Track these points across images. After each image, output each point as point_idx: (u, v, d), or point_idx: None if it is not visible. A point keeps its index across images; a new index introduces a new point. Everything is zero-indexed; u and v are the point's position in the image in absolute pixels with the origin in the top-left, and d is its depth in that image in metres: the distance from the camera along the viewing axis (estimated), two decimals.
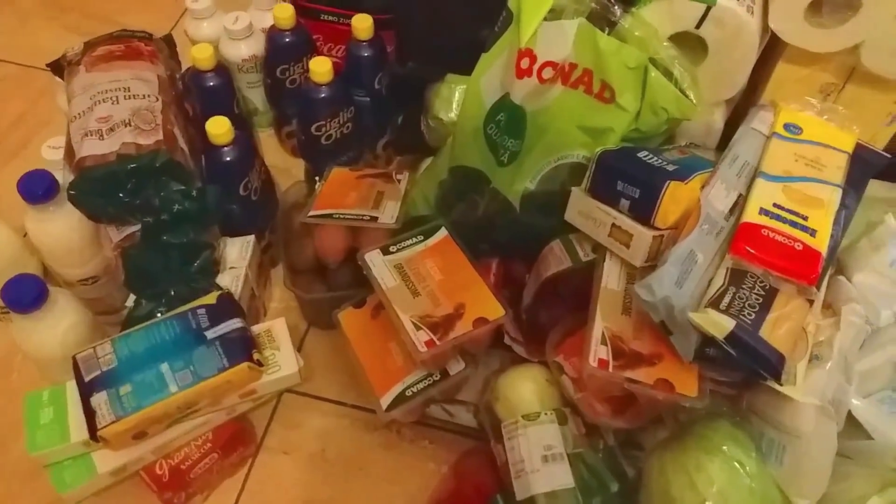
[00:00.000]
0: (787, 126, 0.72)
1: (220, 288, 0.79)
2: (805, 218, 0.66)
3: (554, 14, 0.68)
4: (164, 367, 0.69)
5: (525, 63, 0.68)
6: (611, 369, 0.66)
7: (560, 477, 0.70)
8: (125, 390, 0.68)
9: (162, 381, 0.69)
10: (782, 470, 0.64)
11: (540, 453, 0.71)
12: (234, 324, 0.73)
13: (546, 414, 0.73)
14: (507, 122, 0.73)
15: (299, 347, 0.92)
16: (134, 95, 0.76)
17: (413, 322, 0.72)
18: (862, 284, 0.68)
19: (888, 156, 0.72)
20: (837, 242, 0.67)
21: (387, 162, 1.05)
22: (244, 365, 0.70)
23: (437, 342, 0.71)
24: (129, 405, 0.67)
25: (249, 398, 0.77)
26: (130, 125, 0.73)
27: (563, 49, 0.68)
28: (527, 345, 0.79)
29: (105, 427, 0.67)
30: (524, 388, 0.75)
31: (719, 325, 0.61)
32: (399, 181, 0.89)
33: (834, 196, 0.68)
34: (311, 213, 0.82)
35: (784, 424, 0.64)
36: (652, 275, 0.65)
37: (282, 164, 1.08)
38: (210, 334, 0.71)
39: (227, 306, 0.75)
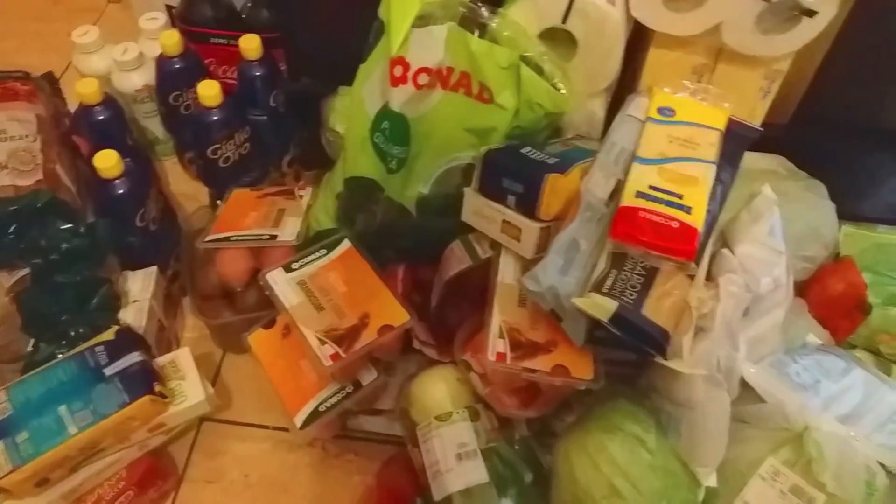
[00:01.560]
0: (660, 110, 0.74)
1: (120, 323, 0.78)
2: (680, 196, 0.68)
3: (423, 21, 0.69)
4: (63, 409, 0.68)
5: (399, 71, 0.69)
6: (509, 361, 0.67)
7: (474, 473, 0.71)
8: (22, 437, 0.66)
9: (60, 424, 0.67)
10: (681, 441, 0.66)
11: (454, 452, 0.72)
12: (134, 357, 0.72)
13: (458, 413, 0.74)
14: (391, 130, 0.73)
15: (216, 374, 0.91)
16: (10, 137, 0.75)
17: (318, 337, 0.72)
18: (744, 255, 0.71)
19: (759, 128, 0.75)
20: (715, 216, 0.69)
21: (295, 178, 1.05)
22: (146, 398, 0.69)
23: (343, 354, 0.71)
24: (27, 452, 0.66)
25: (160, 431, 0.76)
26: (7, 167, 0.72)
27: (436, 54, 0.70)
28: (438, 346, 0.80)
29: (3, 477, 0.65)
30: (435, 389, 0.76)
31: (603, 307, 0.63)
32: (301, 197, 0.89)
33: (708, 173, 0.70)
34: (208, 238, 0.81)
35: (677, 397, 0.66)
36: (537, 265, 0.66)
37: (189, 191, 1.07)
38: (109, 371, 0.70)
39: (126, 341, 0.74)
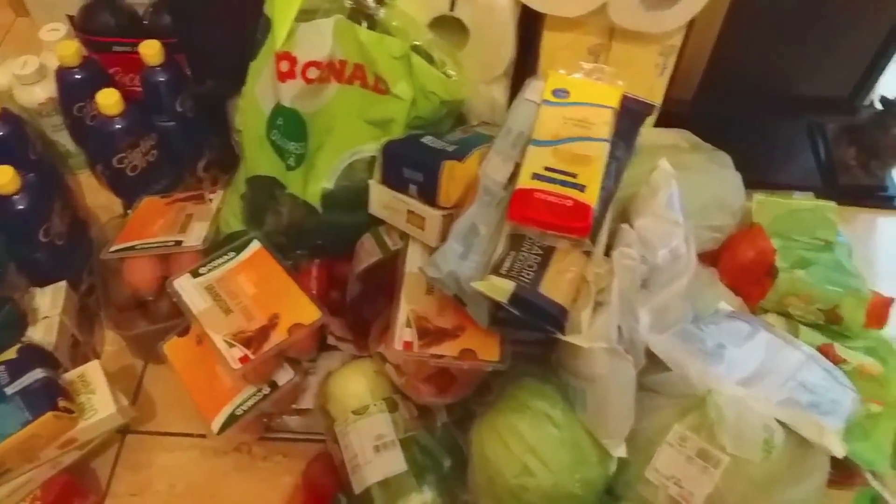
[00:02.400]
0: (554, 92, 0.75)
1: (24, 341, 0.76)
2: (574, 176, 0.69)
3: (309, 15, 0.69)
4: None
5: (285, 66, 0.69)
6: (415, 349, 0.67)
7: (392, 464, 0.71)
8: None
9: None
10: (588, 415, 0.67)
11: (371, 444, 0.72)
12: (37, 375, 0.70)
13: (375, 405, 0.74)
14: (285, 127, 0.73)
15: (138, 385, 0.89)
16: None
17: (226, 340, 0.72)
18: (642, 228, 0.72)
19: (653, 104, 0.76)
20: (611, 193, 0.71)
21: (213, 183, 1.03)
22: (49, 415, 0.68)
23: (252, 356, 0.71)
24: None
25: (73, 447, 0.74)
26: None
27: (324, 48, 0.69)
28: (356, 341, 0.80)
29: None
30: (352, 384, 0.76)
31: (501, 288, 0.64)
32: (211, 201, 0.88)
33: (602, 151, 0.71)
34: (113, 248, 0.80)
35: (581, 371, 0.67)
36: (436, 252, 0.66)
37: (105, 202, 1.04)
38: (10, 390, 0.68)
39: (29, 358, 0.72)
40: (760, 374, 0.69)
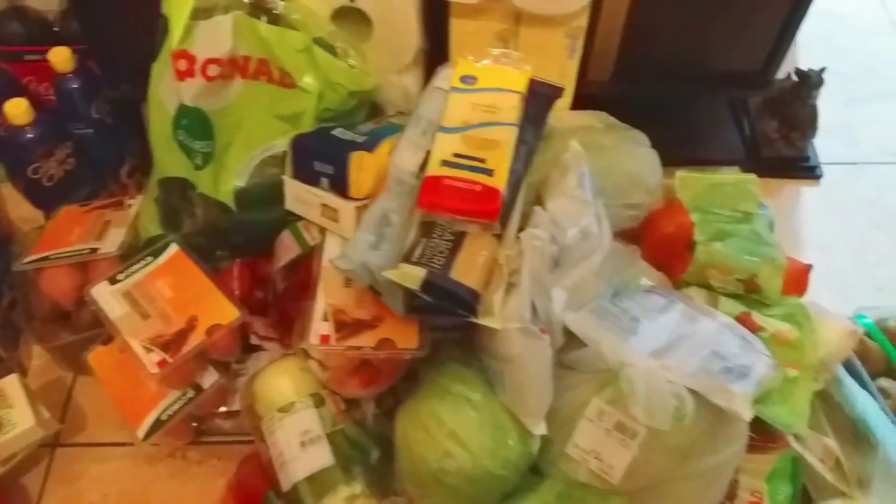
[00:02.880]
0: (462, 78, 0.75)
1: None
2: (483, 161, 0.69)
3: (207, 12, 0.68)
4: None
5: (183, 65, 0.68)
6: (332, 342, 0.67)
7: (319, 458, 0.71)
8: None
9: None
10: (507, 395, 0.68)
11: (298, 440, 0.72)
12: None
13: (301, 402, 0.74)
14: (190, 126, 0.72)
15: (67, 398, 0.88)
16: None
17: (143, 346, 0.71)
18: (554, 209, 0.73)
19: (560, 86, 0.77)
20: (520, 176, 0.71)
21: (138, 189, 1.02)
22: None
23: (170, 360, 0.71)
24: None
25: None
26: None
27: (224, 44, 0.69)
28: (282, 339, 0.80)
29: None
30: (277, 382, 0.75)
31: (412, 276, 0.64)
32: (130, 207, 0.87)
33: (510, 135, 0.72)
34: (27, 259, 0.79)
35: (498, 352, 0.67)
36: (347, 244, 0.67)
37: (29, 215, 1.02)
38: None
39: None
40: (673, 344, 0.70)
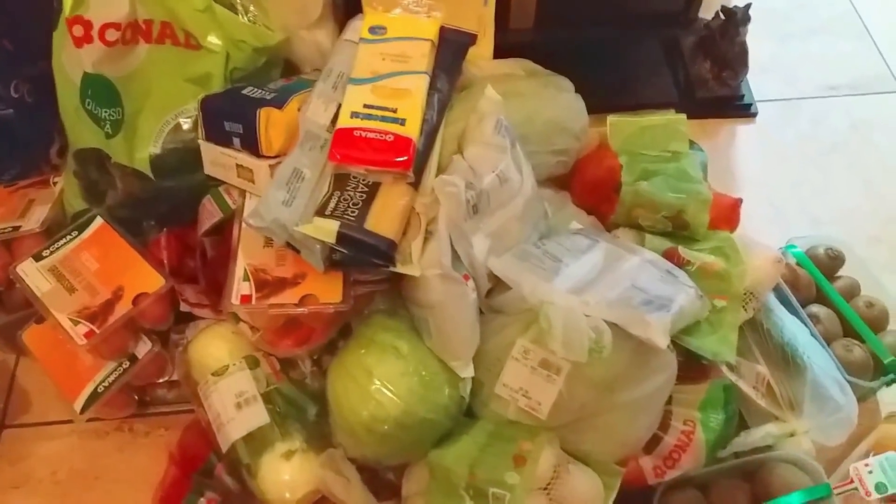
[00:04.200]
0: (371, 29, 0.75)
1: None
2: (394, 110, 0.69)
3: None
4: None
5: (79, 31, 0.67)
6: (254, 302, 0.68)
7: (255, 418, 0.72)
8: None
9: None
10: (434, 341, 0.69)
11: (233, 402, 0.73)
12: None
13: (235, 365, 0.74)
14: (96, 94, 0.71)
15: (11, 380, 0.88)
16: None
17: (70, 319, 0.71)
18: (471, 156, 0.73)
19: (473, 33, 0.77)
20: (434, 124, 0.71)
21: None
22: None
23: (97, 330, 0.71)
24: None
25: None
26: None
27: (120, 8, 0.68)
28: (213, 305, 0.80)
29: None
30: (210, 347, 0.76)
31: (326, 229, 0.64)
32: (55, 184, 0.86)
33: (421, 83, 0.72)
34: None
35: (421, 300, 0.68)
36: (258, 201, 0.66)
37: None
38: None
39: None
40: (594, 281, 0.71)
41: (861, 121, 1.15)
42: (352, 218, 0.64)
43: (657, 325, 0.65)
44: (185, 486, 0.75)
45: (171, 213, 0.80)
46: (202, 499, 0.74)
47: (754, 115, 1.14)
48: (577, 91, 0.91)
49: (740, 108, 1.13)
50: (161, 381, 0.83)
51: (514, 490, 0.63)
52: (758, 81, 1.16)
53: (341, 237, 0.64)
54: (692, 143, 0.96)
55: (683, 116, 0.95)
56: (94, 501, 0.81)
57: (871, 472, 0.76)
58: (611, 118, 0.95)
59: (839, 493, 0.78)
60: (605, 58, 1.07)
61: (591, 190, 0.89)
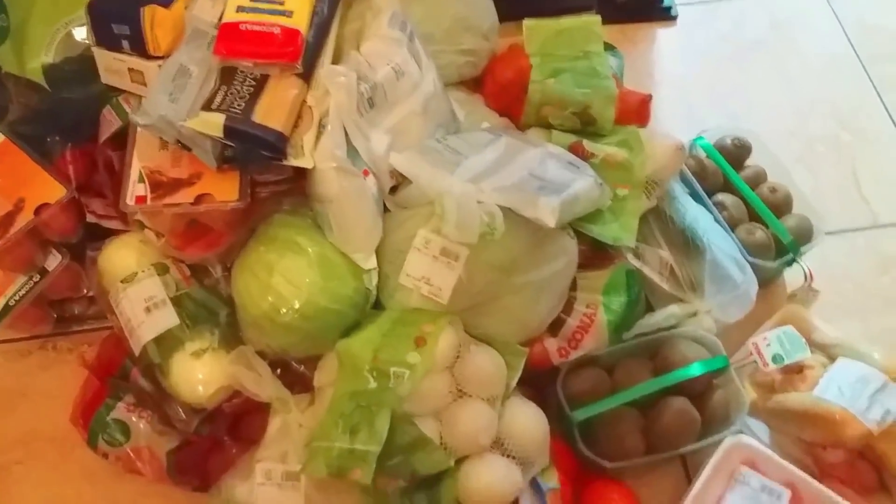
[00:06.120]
0: None
1: None
2: (281, 3, 0.68)
3: None
4: None
5: None
6: (149, 202, 0.68)
7: (164, 320, 0.73)
8: None
9: None
10: (335, 235, 0.70)
11: (142, 307, 0.73)
12: None
13: (143, 271, 0.75)
14: None
15: None
16: None
17: None
18: (367, 50, 0.72)
19: None
20: (326, 17, 0.71)
21: None
22: None
23: None
24: None
25: None
26: None
27: None
28: (121, 216, 0.80)
29: None
30: (118, 255, 0.76)
31: (212, 123, 0.64)
32: None
33: None
34: None
35: (320, 194, 0.69)
36: (144, 99, 0.66)
37: None
38: None
39: None
40: (491, 171, 0.72)
41: (782, 21, 1.16)
42: (238, 111, 0.64)
43: (545, 206, 0.66)
44: (104, 392, 0.77)
45: (75, 128, 0.79)
46: (120, 403, 0.76)
47: (674, 17, 1.14)
48: None
49: (660, 12, 1.13)
50: (79, 296, 0.84)
51: (415, 368, 0.66)
52: None
53: (228, 130, 0.64)
54: (610, 47, 0.97)
55: (598, 18, 0.95)
56: (21, 418, 0.82)
57: (768, 344, 0.80)
58: (527, 22, 0.95)
59: (739, 367, 0.82)
60: None
61: (503, 91, 0.89)
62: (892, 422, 0.74)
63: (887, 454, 0.75)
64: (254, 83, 0.66)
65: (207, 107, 0.64)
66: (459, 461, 0.67)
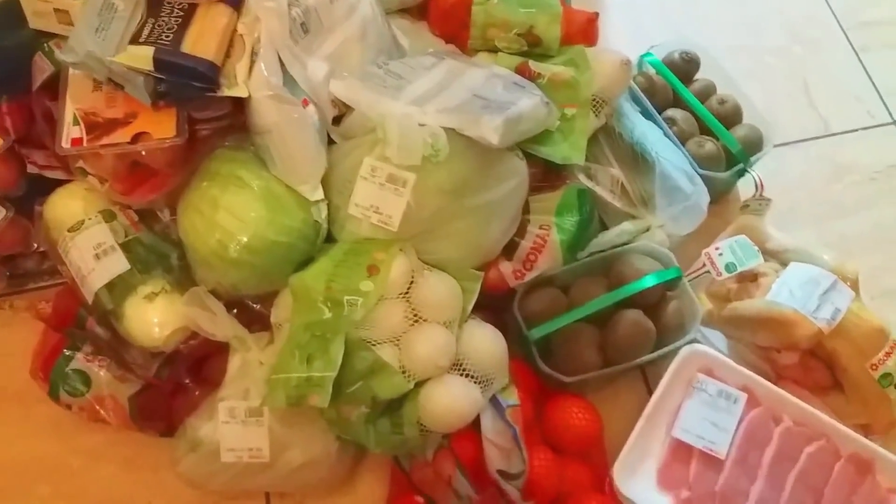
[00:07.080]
0: None
1: None
2: None
3: None
4: None
5: None
6: (85, 143, 0.66)
7: (114, 266, 0.72)
8: None
9: None
10: (278, 167, 0.69)
11: (91, 254, 0.72)
12: None
13: (90, 219, 0.74)
14: None
15: None
16: None
17: None
18: None
19: None
20: None
21: None
22: None
23: None
24: None
25: None
26: None
27: None
28: (64, 166, 0.78)
29: None
30: (63, 204, 0.75)
31: (141, 56, 0.63)
32: None
33: None
34: None
35: (258, 125, 0.68)
36: (70, 36, 0.64)
37: None
38: None
39: None
40: (434, 93, 0.71)
41: None
42: (167, 42, 0.63)
43: (488, 124, 0.66)
44: (61, 343, 0.76)
45: (8, 79, 0.76)
46: (79, 353, 0.76)
47: None
48: None
49: None
50: (30, 252, 0.83)
51: (368, 296, 0.66)
52: None
53: (158, 63, 0.62)
54: None
55: None
56: None
57: (721, 254, 0.81)
58: None
59: (695, 278, 0.83)
60: None
61: (446, 16, 0.87)
62: (841, 320, 0.76)
63: (837, 351, 0.76)
64: (181, 14, 0.64)
65: (135, 40, 0.63)
66: (420, 384, 0.68)
